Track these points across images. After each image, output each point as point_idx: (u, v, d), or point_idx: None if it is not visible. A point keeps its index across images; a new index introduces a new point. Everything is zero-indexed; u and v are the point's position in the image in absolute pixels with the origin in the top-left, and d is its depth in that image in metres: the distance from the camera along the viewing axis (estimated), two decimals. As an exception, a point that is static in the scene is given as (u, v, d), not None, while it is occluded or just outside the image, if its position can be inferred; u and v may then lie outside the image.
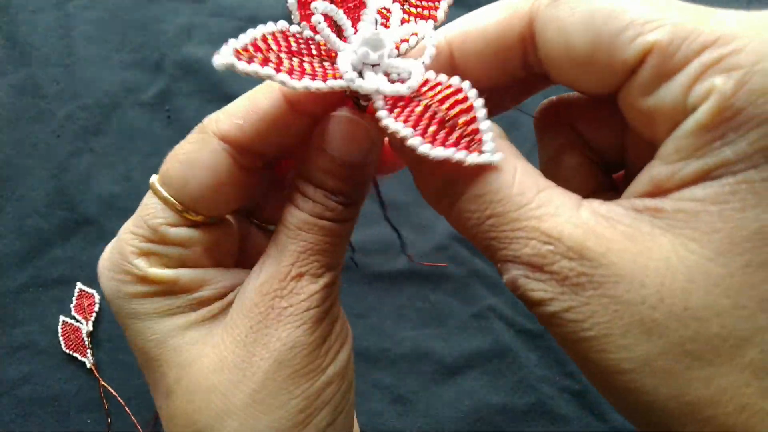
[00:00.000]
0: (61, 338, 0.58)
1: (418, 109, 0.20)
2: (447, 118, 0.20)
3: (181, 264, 0.24)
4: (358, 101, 0.22)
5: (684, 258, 0.16)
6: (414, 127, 0.20)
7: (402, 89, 0.20)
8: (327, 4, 0.22)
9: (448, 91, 0.21)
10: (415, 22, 0.22)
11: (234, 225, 0.27)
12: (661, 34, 0.17)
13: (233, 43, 0.20)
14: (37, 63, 0.65)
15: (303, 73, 0.20)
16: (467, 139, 0.20)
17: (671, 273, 0.16)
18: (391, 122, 0.20)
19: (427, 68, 0.21)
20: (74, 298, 0.59)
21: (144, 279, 0.23)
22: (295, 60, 0.21)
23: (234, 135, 0.23)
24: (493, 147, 0.20)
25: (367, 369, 0.56)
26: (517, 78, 0.23)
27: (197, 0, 0.66)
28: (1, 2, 0.67)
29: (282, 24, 0.23)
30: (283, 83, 0.19)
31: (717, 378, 0.16)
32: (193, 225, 0.24)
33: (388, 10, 0.22)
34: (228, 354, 0.22)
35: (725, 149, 0.16)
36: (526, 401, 0.55)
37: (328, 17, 0.22)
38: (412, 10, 0.23)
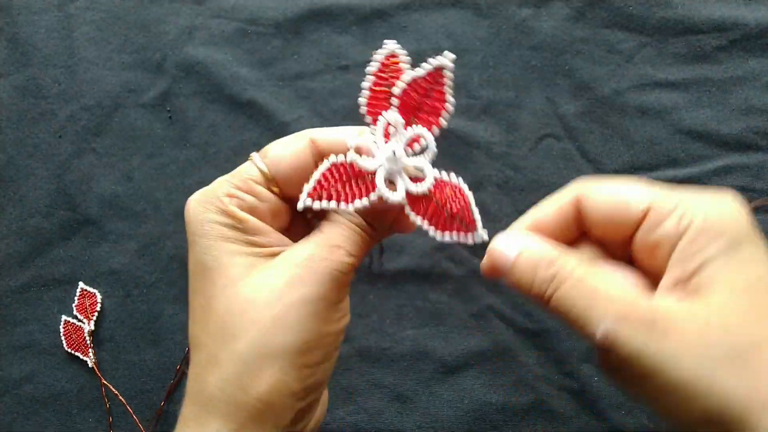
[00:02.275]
0: (62, 338, 0.59)
1: (436, 211, 0.31)
2: (451, 212, 0.31)
3: (252, 212, 0.32)
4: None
5: (709, 308, 0.27)
6: (429, 220, 0.31)
7: (421, 189, 0.31)
8: (395, 115, 0.31)
9: (448, 189, 0.31)
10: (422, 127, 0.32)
11: (289, 211, 0.35)
12: (651, 200, 0.30)
13: (306, 188, 0.30)
14: (39, 64, 0.65)
15: (353, 195, 0.30)
16: (464, 224, 0.31)
17: (708, 317, 0.27)
18: (417, 220, 0.31)
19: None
20: (76, 298, 0.59)
21: (224, 211, 0.31)
22: (346, 186, 0.30)
23: (320, 145, 0.32)
24: (482, 230, 0.31)
25: (367, 368, 0.57)
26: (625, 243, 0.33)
27: (198, 1, 0.66)
28: (2, 3, 0.67)
29: (331, 158, 0.31)
30: (344, 210, 0.31)
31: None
32: (270, 192, 0.33)
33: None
34: (268, 282, 0.30)
35: (710, 247, 0.28)
36: (526, 400, 0.55)
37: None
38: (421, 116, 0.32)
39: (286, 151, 0.32)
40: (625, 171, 0.60)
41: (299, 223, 0.36)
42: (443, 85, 0.33)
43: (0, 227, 0.62)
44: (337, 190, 0.30)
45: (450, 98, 0.32)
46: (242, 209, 0.31)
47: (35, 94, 0.65)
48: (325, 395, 0.36)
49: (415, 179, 0.31)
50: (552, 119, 0.62)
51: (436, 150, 0.30)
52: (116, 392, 0.57)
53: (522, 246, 0.31)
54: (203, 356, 0.30)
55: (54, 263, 0.61)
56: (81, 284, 0.60)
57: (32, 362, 0.59)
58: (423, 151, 0.31)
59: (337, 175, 0.30)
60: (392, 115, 0.31)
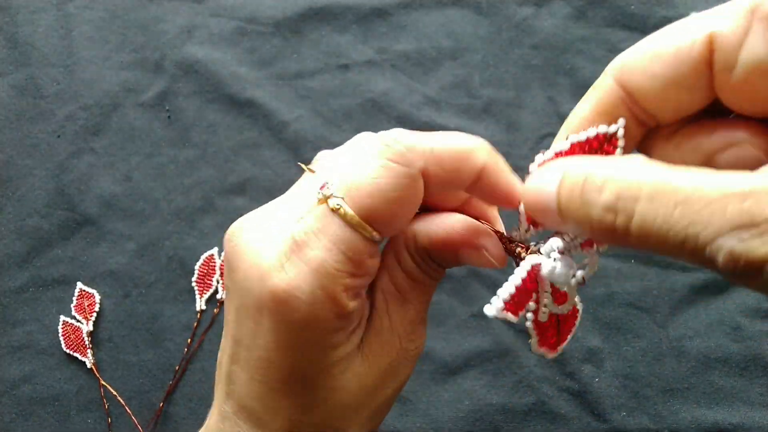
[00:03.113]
0: (61, 338, 0.58)
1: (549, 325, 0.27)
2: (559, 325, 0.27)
3: (359, 293, 0.26)
4: (509, 247, 0.26)
5: None
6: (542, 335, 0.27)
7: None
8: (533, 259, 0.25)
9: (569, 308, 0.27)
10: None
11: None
12: None
13: (502, 296, 0.23)
14: (37, 63, 0.65)
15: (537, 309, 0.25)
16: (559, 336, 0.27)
17: None
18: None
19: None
20: (74, 298, 0.59)
21: (341, 313, 0.25)
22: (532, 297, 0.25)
23: (432, 179, 0.24)
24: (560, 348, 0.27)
25: (367, 369, 0.57)
26: (706, 102, 0.23)
27: (197, 0, 0.66)
28: (1, 2, 0.67)
29: (520, 275, 0.25)
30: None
31: None
32: (376, 250, 0.26)
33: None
34: (368, 382, 0.27)
35: None
36: (526, 401, 0.55)
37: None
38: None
39: (397, 206, 0.24)
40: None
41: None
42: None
43: (-2, 227, 0.62)
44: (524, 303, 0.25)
45: None
46: (355, 295, 0.25)
47: (33, 94, 0.64)
48: None
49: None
50: (553, 118, 0.61)
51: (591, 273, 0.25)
52: (115, 393, 0.57)
53: (562, 170, 0.22)
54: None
55: (52, 263, 0.61)
56: (79, 284, 0.60)
57: (30, 363, 0.58)
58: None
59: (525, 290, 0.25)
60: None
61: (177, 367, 0.57)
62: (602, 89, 0.24)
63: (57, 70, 0.65)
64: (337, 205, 0.23)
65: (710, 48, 0.21)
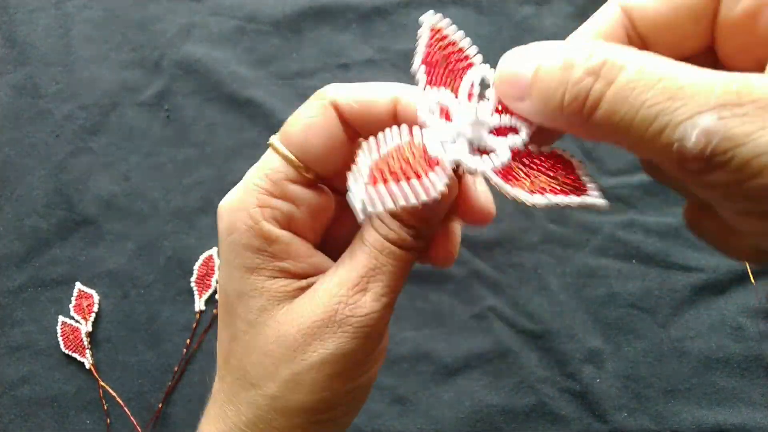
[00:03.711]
0: (60, 338, 0.58)
1: (524, 176, 0.23)
2: (553, 177, 0.23)
3: (288, 223, 0.27)
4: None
5: None
6: (528, 189, 0.23)
7: (492, 165, 0.23)
8: (445, 93, 0.24)
9: (545, 160, 0.24)
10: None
11: (332, 200, 0.30)
12: None
13: (356, 189, 0.22)
14: (36, 62, 0.65)
15: (418, 177, 0.22)
16: (571, 187, 0.23)
17: None
18: (516, 193, 0.23)
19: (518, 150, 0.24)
20: (73, 299, 0.59)
21: (255, 231, 0.26)
22: (406, 170, 0.22)
23: (346, 110, 0.26)
24: (598, 193, 0.23)
25: (367, 369, 0.56)
26: (700, 48, 0.22)
27: (196, -1, 0.66)
28: (-1, 1, 0.67)
29: (388, 139, 0.23)
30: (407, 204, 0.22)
31: None
32: (306, 184, 0.27)
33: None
34: (289, 333, 0.26)
35: None
36: (527, 402, 0.55)
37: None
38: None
39: (310, 128, 0.26)
40: (629, 171, 0.59)
41: (346, 229, 0.31)
42: None
43: (-3, 227, 0.62)
44: (397, 179, 0.22)
45: None
46: (278, 222, 0.27)
47: (32, 93, 0.64)
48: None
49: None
50: (553, 118, 0.61)
51: (526, 138, 0.23)
52: (114, 394, 0.57)
53: (545, 51, 0.21)
54: (225, 386, 0.29)
55: (51, 263, 0.60)
56: (78, 285, 0.59)
57: (29, 363, 0.58)
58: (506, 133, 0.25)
59: (395, 161, 0.23)
60: (483, 70, 0.25)
61: (176, 368, 0.57)
62: (606, 13, 0.23)
63: (56, 69, 0.65)
64: (272, 141, 0.27)
65: None
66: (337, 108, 0.26)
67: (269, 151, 0.27)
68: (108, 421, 0.56)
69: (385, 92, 0.26)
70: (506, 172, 0.23)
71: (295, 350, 0.26)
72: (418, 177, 0.22)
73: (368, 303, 0.26)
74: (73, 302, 0.59)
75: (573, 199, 0.23)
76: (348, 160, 0.25)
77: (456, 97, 0.25)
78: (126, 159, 0.62)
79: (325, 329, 0.25)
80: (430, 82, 0.25)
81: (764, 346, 0.55)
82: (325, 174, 0.28)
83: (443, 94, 0.24)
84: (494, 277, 0.57)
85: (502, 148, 0.23)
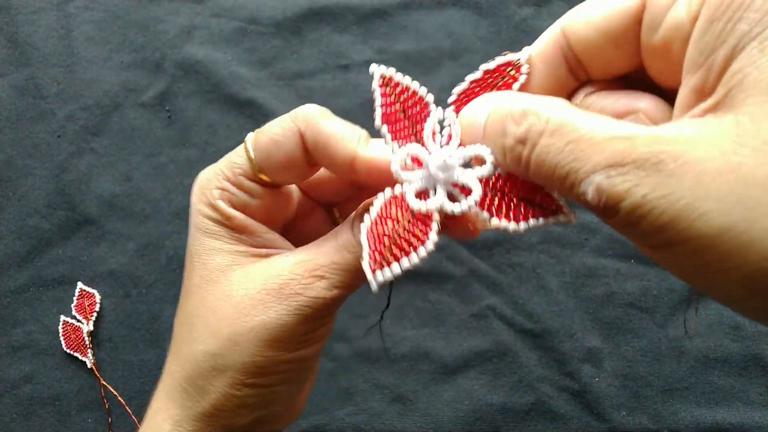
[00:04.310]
0: (61, 338, 0.58)
1: (497, 200, 0.26)
2: (526, 199, 0.25)
3: (243, 208, 0.30)
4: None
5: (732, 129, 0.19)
6: (505, 216, 0.25)
7: (469, 204, 0.25)
8: (414, 146, 0.26)
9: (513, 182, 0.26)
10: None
11: (294, 200, 0.33)
12: None
13: (364, 257, 0.25)
14: (38, 63, 0.65)
15: (415, 236, 0.26)
16: (543, 203, 0.25)
17: (740, 138, 0.18)
18: (498, 223, 0.25)
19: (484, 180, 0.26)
20: (75, 298, 0.59)
21: (213, 206, 0.30)
22: (399, 229, 0.26)
23: (309, 145, 0.28)
24: (566, 206, 0.25)
25: (367, 369, 0.57)
26: (631, 67, 0.25)
27: (198, 1, 0.66)
28: (1, 2, 0.67)
29: (379, 201, 0.27)
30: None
31: None
32: (263, 184, 0.30)
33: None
34: (236, 293, 0.28)
35: (738, 26, 0.19)
36: (526, 401, 0.55)
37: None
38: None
39: (274, 144, 0.29)
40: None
41: (314, 225, 0.34)
42: (510, 87, 0.27)
43: (-1, 227, 0.62)
44: (393, 253, 0.25)
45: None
46: (233, 205, 0.30)
47: (34, 94, 0.64)
48: (299, 409, 0.35)
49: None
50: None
51: (491, 167, 0.25)
52: (115, 393, 0.57)
53: (493, 104, 0.24)
54: (174, 344, 0.31)
55: (53, 263, 0.61)
56: (80, 284, 0.60)
57: (31, 363, 0.58)
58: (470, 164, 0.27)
59: (386, 225, 0.26)
60: (438, 114, 0.27)
61: (177, 367, 0.57)
62: (549, 35, 0.26)
63: (57, 70, 0.65)
64: (248, 138, 0.30)
65: (642, 8, 0.23)
66: (302, 137, 0.28)
67: (242, 146, 0.30)
68: (109, 420, 0.57)
69: (347, 145, 0.28)
70: (484, 203, 0.26)
71: (240, 311, 0.28)
72: (411, 243, 0.25)
73: (320, 289, 0.28)
74: (75, 302, 0.59)
75: (548, 220, 0.25)
76: (303, 177, 0.30)
77: (422, 145, 0.27)
78: (127, 159, 0.63)
79: (271, 298, 0.27)
80: (394, 137, 0.27)
81: (762, 346, 0.55)
82: (280, 183, 0.31)
83: (411, 148, 0.26)
84: (493, 276, 0.58)
85: (474, 183, 0.25)
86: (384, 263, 0.25)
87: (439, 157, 0.26)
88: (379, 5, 0.65)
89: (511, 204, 0.25)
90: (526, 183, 0.25)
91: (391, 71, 0.27)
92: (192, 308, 0.30)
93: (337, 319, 0.56)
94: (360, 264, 0.26)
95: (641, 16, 0.23)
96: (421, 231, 0.25)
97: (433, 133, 0.27)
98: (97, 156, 0.63)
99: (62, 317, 0.59)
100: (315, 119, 0.28)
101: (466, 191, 0.26)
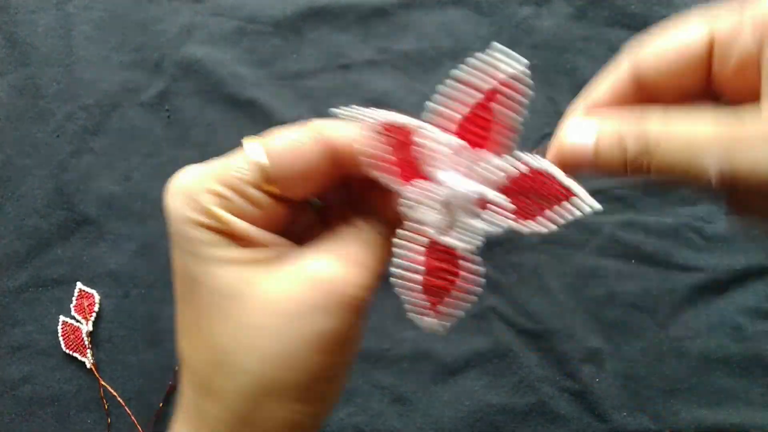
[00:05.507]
0: (60, 338, 0.58)
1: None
2: (539, 195, 0.25)
3: (241, 217, 0.26)
4: None
5: None
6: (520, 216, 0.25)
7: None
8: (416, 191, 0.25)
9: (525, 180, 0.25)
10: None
11: (288, 212, 0.29)
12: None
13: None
14: (37, 63, 0.65)
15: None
16: (559, 197, 0.25)
17: None
18: (528, 226, 0.25)
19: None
20: (74, 298, 0.59)
21: (206, 212, 0.26)
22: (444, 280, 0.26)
23: (340, 151, 0.26)
24: (585, 194, 0.25)
25: (367, 369, 0.56)
26: (698, 92, 0.28)
27: (197, 0, 0.66)
28: (0, 2, 0.67)
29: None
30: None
31: None
32: (268, 194, 0.27)
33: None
34: (273, 304, 0.25)
35: None
36: (527, 401, 0.55)
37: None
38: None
39: (294, 153, 0.27)
40: (627, 171, 0.59)
41: (302, 222, 0.30)
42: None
43: (-2, 227, 0.62)
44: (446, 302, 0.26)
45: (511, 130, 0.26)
46: (229, 211, 0.26)
47: (33, 94, 0.64)
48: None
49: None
50: (553, 118, 0.61)
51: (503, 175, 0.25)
52: (114, 393, 0.57)
53: (598, 126, 0.26)
54: (197, 380, 0.27)
55: (52, 263, 0.61)
56: (79, 284, 0.60)
57: (30, 363, 0.58)
58: None
59: (432, 277, 0.25)
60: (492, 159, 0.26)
61: (176, 367, 0.57)
62: (619, 72, 0.28)
63: (56, 69, 0.65)
64: (246, 143, 0.28)
65: (711, 44, 0.26)
66: (332, 147, 0.26)
67: (238, 152, 0.28)
68: (109, 420, 0.57)
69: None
70: (512, 212, 0.25)
71: (287, 326, 0.25)
72: (456, 285, 0.25)
73: (367, 278, 0.26)
74: (74, 302, 0.59)
75: (570, 213, 0.25)
76: (318, 189, 0.28)
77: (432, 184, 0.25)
78: (127, 159, 0.62)
79: (320, 303, 0.25)
80: (406, 180, 0.25)
81: (764, 346, 0.55)
82: (287, 194, 0.27)
83: (423, 190, 0.25)
84: (494, 276, 0.58)
85: (494, 196, 0.25)
86: (441, 309, 0.24)
87: (454, 191, 0.25)
88: (379, 4, 0.65)
89: (531, 204, 0.25)
90: (536, 175, 0.25)
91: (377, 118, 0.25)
92: (215, 337, 0.26)
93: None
94: (383, 259, 0.26)
95: (711, 50, 0.26)
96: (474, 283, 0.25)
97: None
98: (96, 156, 0.63)
99: (61, 317, 0.59)
100: (334, 125, 0.27)
101: (482, 203, 0.25)
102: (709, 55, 0.26)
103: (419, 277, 0.25)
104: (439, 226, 0.25)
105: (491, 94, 0.25)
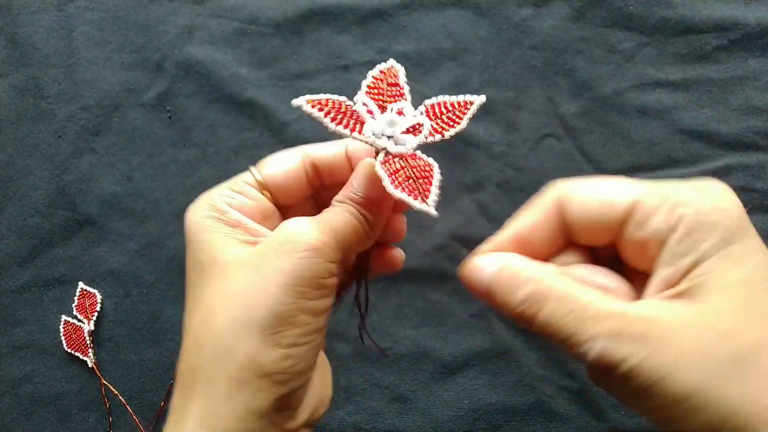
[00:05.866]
0: (62, 338, 0.59)
1: (400, 171, 0.31)
2: (414, 176, 0.31)
3: (240, 210, 0.33)
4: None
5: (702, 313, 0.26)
6: (393, 177, 0.30)
7: (399, 149, 0.31)
8: (366, 98, 0.34)
9: (421, 162, 0.31)
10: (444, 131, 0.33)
11: (281, 218, 0.36)
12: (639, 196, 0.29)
13: (307, 96, 0.32)
14: (39, 64, 0.65)
15: (343, 125, 0.32)
16: (421, 191, 0.30)
17: (705, 321, 0.26)
18: (380, 170, 0.30)
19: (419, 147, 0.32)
20: (76, 298, 0.59)
21: (214, 207, 0.33)
22: (343, 119, 0.32)
23: (314, 157, 0.36)
24: (435, 201, 0.30)
25: (366, 368, 0.57)
26: (608, 245, 0.32)
27: (198, 1, 0.66)
28: (2, 3, 0.67)
29: (343, 98, 0.34)
30: (327, 127, 0.31)
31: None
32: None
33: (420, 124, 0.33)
34: (247, 259, 0.30)
35: (703, 244, 0.26)
36: (526, 400, 0.55)
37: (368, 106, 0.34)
38: (441, 124, 0.33)
39: (280, 164, 0.35)
40: (626, 171, 0.60)
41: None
42: (463, 113, 0.33)
43: None
44: (334, 115, 0.32)
45: (465, 122, 0.33)
46: (231, 206, 0.33)
47: (35, 94, 0.65)
48: (324, 395, 0.35)
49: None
50: (552, 119, 0.62)
51: (428, 132, 0.32)
52: (116, 392, 0.57)
53: (501, 263, 0.30)
54: (190, 340, 0.30)
55: (54, 263, 0.61)
56: (81, 284, 0.60)
57: (32, 362, 0.59)
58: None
59: (339, 108, 0.33)
60: (404, 104, 0.34)
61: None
62: (545, 206, 0.32)
63: (58, 70, 0.65)
64: (251, 168, 0.36)
65: (631, 209, 0.29)
66: (308, 156, 0.35)
67: (246, 173, 0.35)
68: (110, 419, 0.57)
69: (337, 148, 0.36)
70: (391, 166, 0.31)
71: (253, 269, 0.29)
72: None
73: (325, 233, 0.30)
74: (76, 301, 0.59)
75: (413, 202, 0.30)
76: (302, 195, 0.36)
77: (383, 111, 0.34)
78: (128, 159, 0.63)
79: (280, 248, 0.30)
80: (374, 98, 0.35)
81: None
82: (280, 201, 0.35)
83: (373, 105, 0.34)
84: (493, 276, 0.58)
85: (409, 142, 0.32)
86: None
87: (388, 117, 0.33)
88: (379, 6, 0.65)
89: (403, 175, 0.31)
90: (423, 170, 0.31)
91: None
92: (208, 297, 0.30)
93: (337, 319, 0.56)
94: (357, 225, 0.32)
95: (628, 215, 0.29)
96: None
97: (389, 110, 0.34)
98: (97, 156, 0.63)
99: (63, 317, 0.59)
100: (316, 147, 0.36)
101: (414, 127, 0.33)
102: (624, 219, 0.29)
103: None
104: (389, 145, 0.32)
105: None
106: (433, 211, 0.29)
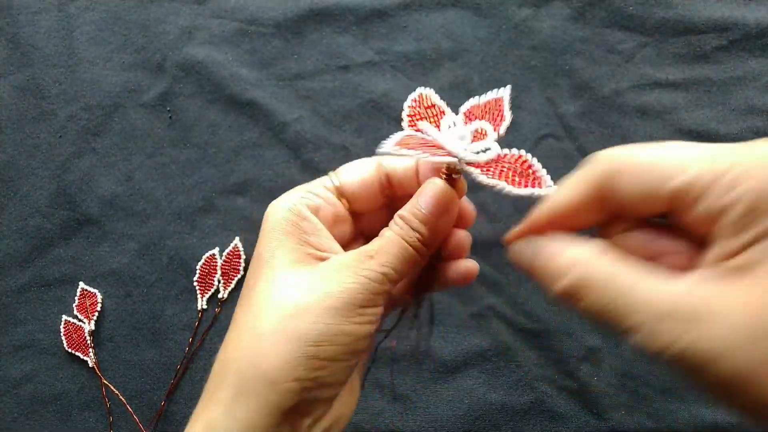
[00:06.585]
0: (63, 337, 0.59)
1: (505, 172, 0.32)
2: (517, 170, 0.31)
3: (316, 212, 0.35)
4: (450, 176, 0.33)
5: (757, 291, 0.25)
6: (507, 181, 0.31)
7: (485, 158, 0.32)
8: (424, 124, 0.34)
9: (512, 158, 0.32)
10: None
11: (352, 225, 0.38)
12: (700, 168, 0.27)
13: (393, 139, 0.32)
14: (39, 64, 0.65)
15: (429, 152, 0.32)
16: (533, 180, 0.31)
17: (758, 301, 0.24)
18: (489, 181, 0.31)
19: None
20: (76, 298, 0.60)
21: (292, 210, 0.34)
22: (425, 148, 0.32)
23: (386, 167, 0.36)
24: (550, 178, 0.30)
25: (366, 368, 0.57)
26: (662, 213, 0.30)
27: (199, 1, 0.66)
28: (2, 3, 0.67)
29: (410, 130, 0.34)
30: (429, 161, 0.33)
31: None
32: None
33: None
34: (303, 275, 0.32)
35: (766, 217, 0.25)
36: (525, 400, 0.55)
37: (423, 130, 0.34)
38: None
39: (357, 172, 0.36)
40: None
41: (361, 241, 0.38)
42: (501, 108, 0.35)
43: (0, 227, 0.62)
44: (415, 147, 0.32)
45: (508, 113, 0.34)
46: (309, 208, 0.35)
47: (35, 94, 0.65)
48: (344, 415, 0.36)
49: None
50: (552, 119, 0.62)
51: (497, 144, 0.33)
52: (116, 392, 0.57)
53: (542, 246, 0.31)
54: (234, 333, 0.32)
55: (54, 263, 0.61)
56: (81, 284, 0.60)
57: (32, 362, 0.59)
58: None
59: (416, 140, 0.33)
60: (452, 118, 0.35)
61: (178, 366, 0.58)
62: (591, 176, 0.30)
63: (59, 70, 0.65)
64: (330, 172, 0.37)
65: (691, 182, 0.27)
66: (380, 166, 0.36)
67: (324, 176, 0.37)
68: (110, 419, 0.57)
69: (408, 161, 0.37)
70: (495, 173, 0.32)
71: (306, 288, 0.31)
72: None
73: (376, 265, 0.32)
74: (76, 301, 0.59)
75: (538, 191, 0.30)
76: (376, 202, 0.37)
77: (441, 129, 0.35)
78: (129, 159, 0.63)
79: (332, 274, 0.31)
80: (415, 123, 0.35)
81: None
82: (353, 206, 0.37)
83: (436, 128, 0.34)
84: (493, 276, 0.58)
85: (493, 146, 0.32)
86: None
87: (459, 131, 0.33)
88: (378, 6, 0.65)
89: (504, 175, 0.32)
90: (522, 162, 0.32)
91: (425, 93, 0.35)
92: (257, 297, 0.32)
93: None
94: (410, 250, 0.32)
95: (687, 187, 0.27)
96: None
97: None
98: (98, 156, 0.63)
99: (64, 317, 0.59)
100: (390, 160, 0.37)
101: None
102: (682, 190, 0.27)
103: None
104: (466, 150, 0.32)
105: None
106: (555, 188, 0.31)
